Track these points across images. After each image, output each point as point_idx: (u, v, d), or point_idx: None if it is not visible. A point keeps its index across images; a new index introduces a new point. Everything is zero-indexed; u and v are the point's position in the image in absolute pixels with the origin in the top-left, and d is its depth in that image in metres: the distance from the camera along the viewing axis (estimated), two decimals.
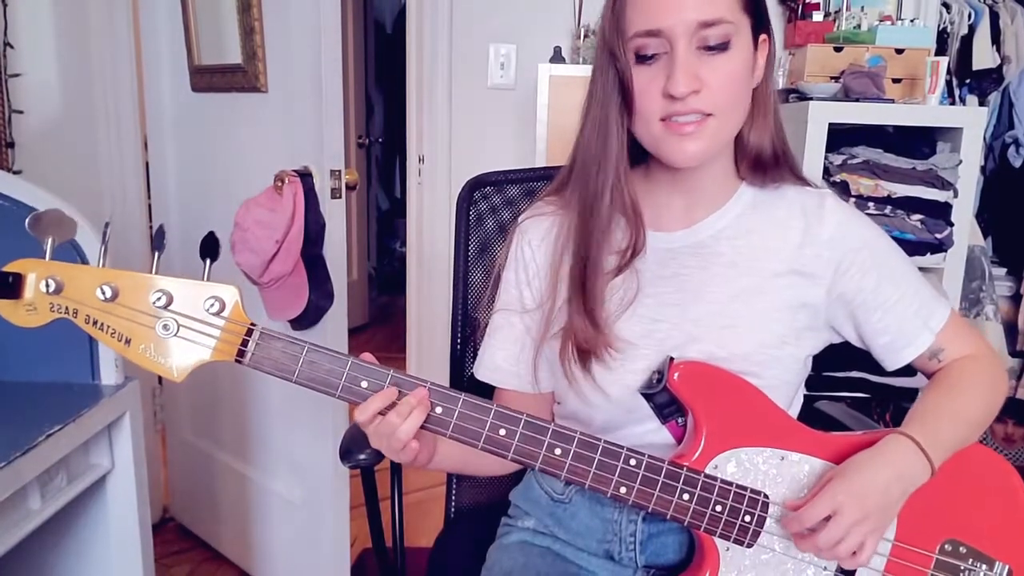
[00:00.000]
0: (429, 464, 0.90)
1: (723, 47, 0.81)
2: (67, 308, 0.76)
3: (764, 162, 0.91)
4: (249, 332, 0.77)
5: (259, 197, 1.56)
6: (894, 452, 0.84)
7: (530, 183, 1.23)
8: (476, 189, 1.22)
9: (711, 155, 0.86)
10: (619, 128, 0.87)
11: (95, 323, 0.75)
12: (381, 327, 4.22)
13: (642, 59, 0.82)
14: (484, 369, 1.00)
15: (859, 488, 0.81)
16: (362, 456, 1.05)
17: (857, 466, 0.83)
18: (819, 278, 0.91)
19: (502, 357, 0.98)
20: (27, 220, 0.73)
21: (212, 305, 0.76)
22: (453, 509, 1.26)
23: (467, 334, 1.22)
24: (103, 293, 0.75)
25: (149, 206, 2.19)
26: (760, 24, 0.86)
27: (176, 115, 2.03)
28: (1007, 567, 0.92)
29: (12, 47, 1.84)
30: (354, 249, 4.04)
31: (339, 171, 1.60)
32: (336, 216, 1.61)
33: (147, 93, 2.09)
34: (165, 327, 0.76)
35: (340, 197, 1.61)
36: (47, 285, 0.75)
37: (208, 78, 1.85)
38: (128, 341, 0.76)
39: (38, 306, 0.75)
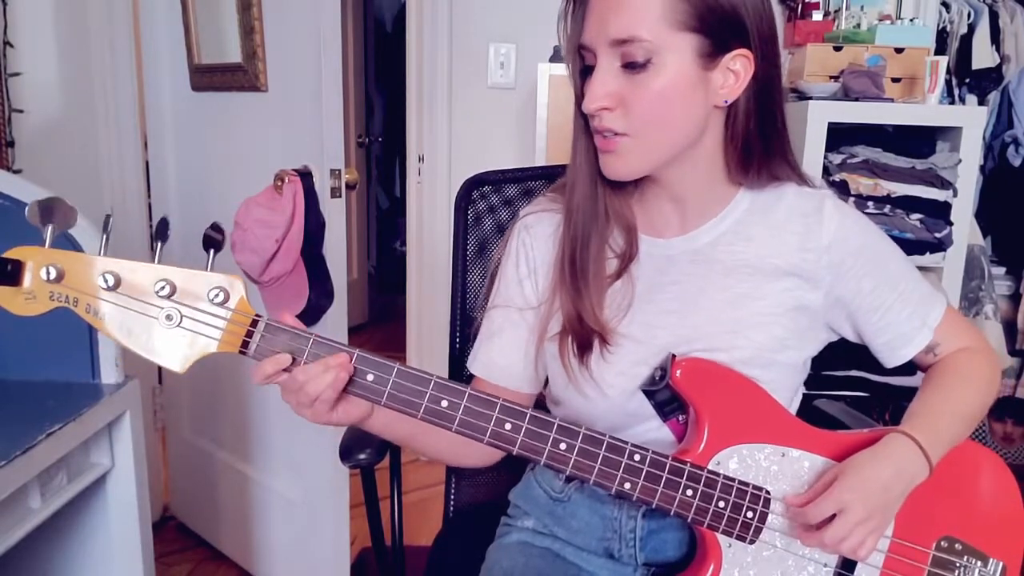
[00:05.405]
0: (364, 424, 0.87)
1: (644, 65, 0.80)
2: (67, 297, 0.74)
3: (752, 163, 0.89)
4: (254, 323, 0.77)
5: (259, 196, 1.56)
6: (895, 451, 0.85)
7: (528, 182, 1.23)
8: (474, 188, 1.22)
9: (637, 171, 0.86)
10: (582, 134, 0.89)
11: (96, 312, 0.74)
12: (381, 326, 4.21)
13: (587, 70, 0.84)
14: (479, 365, 0.99)
15: (862, 487, 0.82)
16: (362, 455, 1.05)
17: (859, 465, 0.84)
18: (818, 280, 0.91)
19: (499, 353, 0.98)
20: (27, 208, 0.71)
21: (217, 295, 0.75)
22: (452, 508, 1.26)
23: (466, 333, 1.22)
24: (105, 281, 0.73)
25: (149, 205, 2.19)
26: (724, 41, 0.81)
27: (176, 114, 2.03)
28: (1001, 564, 0.93)
29: (12, 46, 1.84)
30: (354, 248, 4.04)
31: (339, 170, 1.59)
32: (336, 215, 1.61)
33: (147, 92, 2.09)
34: (168, 317, 0.74)
35: (340, 196, 1.61)
36: (47, 273, 0.73)
37: (208, 77, 1.85)
38: (130, 331, 0.74)
39: (37, 294, 0.74)
